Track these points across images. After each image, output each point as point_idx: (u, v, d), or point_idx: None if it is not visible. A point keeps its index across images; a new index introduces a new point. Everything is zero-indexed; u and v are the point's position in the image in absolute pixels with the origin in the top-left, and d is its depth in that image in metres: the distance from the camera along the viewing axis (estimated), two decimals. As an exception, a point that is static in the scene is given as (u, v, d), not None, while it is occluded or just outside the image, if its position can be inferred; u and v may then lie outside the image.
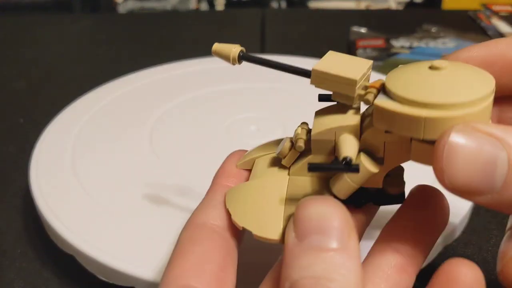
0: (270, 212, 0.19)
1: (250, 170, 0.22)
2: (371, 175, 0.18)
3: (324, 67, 0.18)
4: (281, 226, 0.18)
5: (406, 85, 0.16)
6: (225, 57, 0.19)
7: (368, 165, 0.18)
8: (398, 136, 0.17)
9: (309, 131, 0.19)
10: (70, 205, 0.30)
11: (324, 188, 0.19)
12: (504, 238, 0.18)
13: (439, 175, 0.15)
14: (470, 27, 0.67)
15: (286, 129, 0.36)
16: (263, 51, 0.61)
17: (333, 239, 0.15)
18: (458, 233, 0.29)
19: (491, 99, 0.16)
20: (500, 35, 0.64)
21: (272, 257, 0.19)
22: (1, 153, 0.42)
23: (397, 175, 0.20)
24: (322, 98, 0.19)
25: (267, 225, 0.18)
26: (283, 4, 1.39)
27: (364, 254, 0.20)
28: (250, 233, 0.19)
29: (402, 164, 0.19)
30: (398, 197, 0.20)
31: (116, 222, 0.28)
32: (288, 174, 0.20)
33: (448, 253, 0.30)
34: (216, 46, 0.20)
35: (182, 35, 0.67)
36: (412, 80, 0.16)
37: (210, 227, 0.19)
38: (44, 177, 0.32)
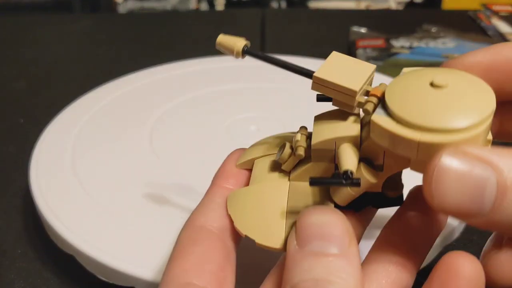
0: (272, 220, 0.19)
1: (249, 170, 0.22)
2: (371, 185, 0.18)
3: (325, 74, 0.17)
4: (283, 235, 0.18)
5: (404, 103, 0.16)
6: (229, 50, 0.19)
7: (368, 177, 0.18)
8: None
9: (308, 136, 0.19)
10: (70, 205, 0.30)
11: (325, 194, 0.19)
12: (490, 237, 0.19)
13: (429, 198, 0.15)
14: (470, 27, 0.67)
15: (286, 129, 0.36)
16: (263, 51, 0.61)
17: (334, 246, 0.16)
18: (457, 233, 0.29)
19: (488, 121, 0.16)
20: (500, 35, 0.64)
21: (270, 257, 0.19)
22: (1, 153, 0.42)
23: (395, 178, 0.20)
24: (320, 98, 0.19)
25: (269, 233, 0.18)
26: (283, 4, 1.39)
27: (362, 255, 0.20)
28: (252, 240, 0.19)
29: None
30: (396, 200, 0.20)
31: (116, 222, 0.28)
32: (289, 179, 0.20)
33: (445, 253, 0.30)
34: (221, 38, 0.19)
35: (182, 35, 0.67)
36: (410, 97, 0.16)
37: (209, 229, 0.19)
38: (44, 177, 0.32)
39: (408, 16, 0.77)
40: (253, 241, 0.19)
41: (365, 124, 0.18)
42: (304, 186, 0.19)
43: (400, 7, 1.27)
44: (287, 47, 0.61)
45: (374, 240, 0.20)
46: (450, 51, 0.58)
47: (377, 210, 0.21)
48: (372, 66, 0.18)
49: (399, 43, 0.60)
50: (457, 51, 0.58)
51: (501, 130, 0.21)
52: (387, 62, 0.55)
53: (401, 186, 0.20)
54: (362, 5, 1.24)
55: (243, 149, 0.23)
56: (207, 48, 0.61)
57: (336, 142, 0.18)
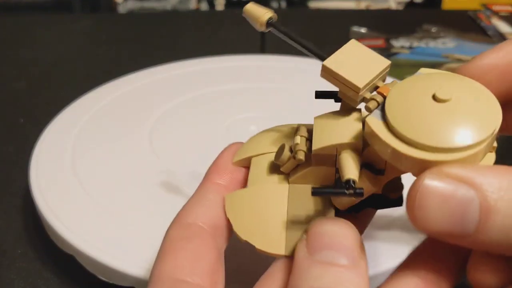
0: (272, 226, 0.18)
1: (245, 167, 0.21)
2: (373, 191, 0.18)
3: (333, 64, 0.17)
4: (284, 241, 0.18)
5: (402, 114, 0.16)
6: (254, 20, 0.19)
7: (370, 185, 0.17)
8: None
9: (308, 138, 0.19)
10: (70, 205, 0.30)
11: (325, 199, 0.19)
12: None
13: (412, 220, 0.15)
14: (470, 27, 0.67)
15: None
16: (263, 51, 0.61)
17: (344, 256, 0.16)
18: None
19: (487, 141, 0.15)
20: (500, 35, 0.64)
21: (257, 259, 0.19)
22: (1, 153, 0.42)
23: (395, 179, 0.20)
24: (318, 95, 0.19)
25: (270, 239, 0.18)
26: (283, 4, 1.39)
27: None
28: (252, 246, 0.19)
29: None
30: (397, 201, 0.20)
31: (116, 222, 0.28)
32: (288, 181, 0.19)
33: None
34: (249, 6, 0.19)
35: (182, 35, 0.67)
36: (409, 109, 0.16)
37: (200, 226, 0.19)
38: (44, 177, 0.32)
39: (408, 16, 0.77)
40: (252, 246, 0.18)
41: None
42: (304, 190, 0.19)
43: (400, 7, 1.27)
44: (287, 47, 0.61)
45: (374, 241, 0.20)
46: (450, 51, 0.58)
47: (376, 210, 0.21)
48: (386, 62, 0.18)
49: (399, 43, 0.60)
50: (457, 51, 0.58)
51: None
52: (387, 62, 0.55)
53: (401, 187, 0.20)
54: (362, 5, 1.24)
55: (239, 144, 0.22)
56: (207, 48, 0.61)
57: (338, 148, 0.17)
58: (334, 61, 0.17)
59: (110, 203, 0.30)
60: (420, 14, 0.77)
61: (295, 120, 0.22)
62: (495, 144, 0.16)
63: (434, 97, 0.16)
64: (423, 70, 0.18)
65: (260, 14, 0.19)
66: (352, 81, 0.17)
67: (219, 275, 0.18)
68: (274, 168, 0.20)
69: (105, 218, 0.29)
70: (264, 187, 0.20)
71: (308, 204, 0.19)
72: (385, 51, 0.57)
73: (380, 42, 0.60)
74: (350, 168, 0.16)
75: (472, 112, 0.15)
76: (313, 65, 0.47)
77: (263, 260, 0.19)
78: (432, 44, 0.60)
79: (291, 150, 0.19)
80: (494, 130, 0.15)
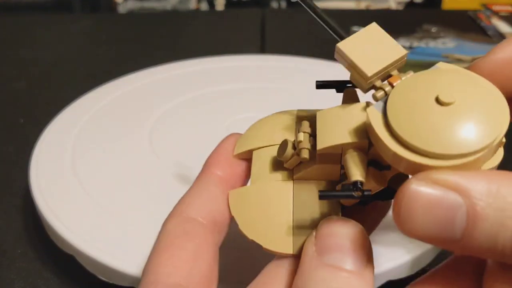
0: (278, 224, 0.18)
1: (246, 159, 0.21)
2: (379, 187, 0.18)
3: (347, 47, 0.17)
4: (291, 239, 0.18)
5: (402, 113, 0.15)
6: None
7: (378, 184, 0.17)
8: None
9: (311, 134, 0.18)
10: (70, 205, 0.30)
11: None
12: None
13: (398, 224, 0.15)
14: (470, 27, 0.67)
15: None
16: (263, 51, 0.61)
17: (351, 262, 0.16)
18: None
19: (489, 147, 0.15)
20: (500, 35, 0.64)
21: (249, 256, 0.19)
22: (1, 153, 0.42)
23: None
24: (319, 85, 0.19)
25: (277, 238, 0.18)
26: (283, 4, 1.39)
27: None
28: (259, 245, 0.18)
29: None
30: None
31: (116, 222, 0.28)
32: (292, 176, 0.19)
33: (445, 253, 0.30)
34: None
35: (182, 35, 0.67)
36: (411, 110, 0.15)
37: (201, 221, 0.18)
38: (44, 177, 0.32)
39: (408, 16, 0.77)
40: (259, 246, 0.18)
41: None
42: (310, 187, 0.19)
43: (400, 7, 1.27)
44: (287, 47, 0.61)
45: (373, 241, 0.20)
46: (450, 51, 0.58)
47: (388, 209, 0.21)
48: (402, 51, 0.17)
49: (399, 43, 0.60)
50: (457, 51, 0.58)
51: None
52: (387, 62, 0.55)
53: (407, 177, 0.20)
54: (362, 5, 1.24)
55: (237, 134, 0.22)
56: (207, 48, 0.61)
57: (343, 147, 0.17)
58: (349, 44, 0.17)
59: (110, 203, 0.30)
60: (420, 14, 0.77)
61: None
62: (503, 140, 0.16)
63: (437, 100, 0.15)
64: (441, 65, 0.17)
65: None
66: (362, 68, 0.16)
67: (214, 277, 0.18)
68: (277, 163, 0.19)
69: (105, 218, 0.29)
70: (268, 185, 0.19)
71: (314, 201, 0.18)
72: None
73: (380, 42, 0.60)
74: (357, 169, 0.16)
75: (475, 117, 0.15)
76: (313, 65, 0.47)
77: (256, 257, 0.19)
78: (432, 44, 0.60)
79: (294, 147, 0.19)
80: (498, 136, 0.15)
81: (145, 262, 0.24)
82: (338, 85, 0.19)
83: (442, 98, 0.15)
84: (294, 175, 0.19)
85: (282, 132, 0.20)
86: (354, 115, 0.17)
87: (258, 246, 0.18)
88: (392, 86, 0.16)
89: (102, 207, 0.29)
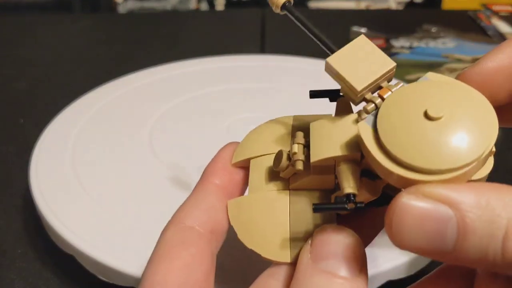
0: (277, 234, 0.19)
1: (244, 168, 0.21)
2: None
3: (336, 62, 0.17)
4: (289, 248, 0.18)
5: (391, 129, 0.16)
6: (271, 1, 0.19)
7: (371, 194, 0.18)
8: None
9: (305, 145, 0.19)
10: (70, 205, 0.30)
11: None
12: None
13: (390, 237, 0.15)
14: (470, 27, 0.67)
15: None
16: (263, 51, 0.61)
17: (345, 268, 0.16)
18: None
19: (478, 161, 0.15)
20: (500, 35, 0.64)
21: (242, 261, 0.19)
22: (1, 153, 0.42)
23: None
24: (313, 95, 0.19)
25: (275, 247, 0.18)
26: (283, 4, 1.38)
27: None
28: (258, 254, 0.19)
29: None
30: None
31: (116, 222, 0.28)
32: (288, 186, 0.20)
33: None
34: None
35: (182, 35, 0.67)
36: (400, 125, 0.16)
37: (198, 230, 0.19)
38: (44, 177, 0.32)
39: (408, 16, 0.77)
40: (258, 255, 0.19)
41: None
42: (305, 197, 0.19)
43: (400, 7, 1.27)
44: (287, 47, 0.61)
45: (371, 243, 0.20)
46: (450, 51, 0.58)
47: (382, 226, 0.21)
48: (391, 63, 0.17)
49: (399, 43, 0.60)
50: (457, 51, 0.58)
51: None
52: (387, 62, 0.55)
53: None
54: (362, 5, 1.24)
55: (235, 143, 0.22)
56: (207, 48, 0.61)
57: (336, 159, 0.17)
58: (338, 59, 0.17)
59: (110, 203, 0.30)
60: (420, 14, 0.77)
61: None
62: (493, 149, 0.16)
63: (425, 115, 0.15)
64: (429, 75, 0.18)
65: None
66: (352, 82, 0.17)
67: (210, 283, 0.18)
68: (274, 172, 0.20)
69: (105, 218, 0.29)
70: (266, 195, 0.20)
71: (310, 211, 0.19)
72: (385, 51, 0.57)
73: (380, 42, 0.60)
74: (350, 182, 0.17)
75: (464, 131, 0.15)
76: (313, 65, 0.47)
77: (252, 262, 0.19)
78: (432, 44, 0.60)
79: (289, 158, 0.19)
80: (487, 148, 0.15)
81: (144, 262, 0.25)
82: (331, 95, 0.19)
83: (431, 113, 0.15)
84: (290, 185, 0.19)
85: (278, 141, 0.21)
86: (346, 128, 0.18)
87: (257, 255, 0.19)
88: (382, 99, 0.17)
89: (102, 207, 0.29)
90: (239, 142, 0.22)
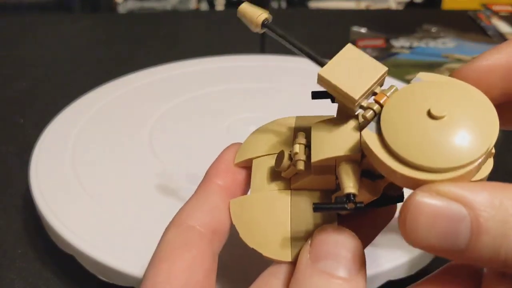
0: (278, 233, 0.19)
1: (246, 167, 0.21)
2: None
3: (329, 73, 0.17)
4: (290, 247, 0.18)
5: (396, 130, 0.16)
6: (249, 21, 0.19)
7: (371, 194, 0.18)
8: None
9: (307, 145, 0.19)
10: (70, 205, 0.30)
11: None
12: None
13: (403, 234, 0.15)
14: (470, 27, 0.67)
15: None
16: (263, 51, 0.61)
17: (344, 269, 0.16)
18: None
19: (482, 158, 0.15)
20: (500, 35, 0.64)
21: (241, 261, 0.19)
22: (1, 153, 0.42)
23: None
24: (315, 95, 0.19)
25: (276, 246, 0.19)
26: (283, 4, 1.39)
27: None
28: (260, 253, 0.19)
29: None
30: (398, 198, 0.20)
31: (116, 222, 0.28)
32: (290, 186, 0.20)
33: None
34: (245, 6, 0.19)
35: (182, 35, 0.67)
36: (404, 126, 0.16)
37: (200, 230, 0.19)
38: (44, 177, 0.32)
39: (408, 16, 0.77)
40: (259, 253, 0.19)
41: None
42: (306, 197, 0.19)
43: (400, 7, 1.27)
44: (287, 47, 0.61)
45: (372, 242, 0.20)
46: (450, 51, 0.58)
47: (393, 216, 0.21)
48: (383, 68, 0.17)
49: (399, 43, 0.60)
50: (457, 51, 0.58)
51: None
52: (387, 62, 0.55)
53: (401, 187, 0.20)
54: (362, 5, 1.24)
55: (238, 144, 0.22)
56: (207, 48, 0.61)
57: (337, 159, 0.17)
58: (330, 70, 0.17)
59: (110, 203, 0.30)
60: (420, 14, 0.78)
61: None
62: (493, 150, 0.16)
63: (429, 114, 0.16)
64: (421, 76, 0.18)
65: (256, 15, 0.18)
66: (348, 92, 0.17)
67: (211, 283, 0.18)
68: (276, 172, 0.20)
69: (105, 218, 0.29)
70: (268, 194, 0.20)
71: (311, 211, 0.19)
72: (385, 51, 0.58)
73: (380, 42, 0.60)
74: (350, 182, 0.17)
75: (467, 129, 0.15)
76: (313, 65, 0.47)
77: (256, 260, 0.19)
78: (432, 44, 0.60)
79: (290, 158, 0.19)
80: (490, 146, 0.15)
81: (145, 263, 0.25)
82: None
83: (434, 112, 0.16)
84: (292, 185, 0.20)
85: (280, 142, 0.21)
86: (347, 129, 0.18)
87: (259, 254, 0.19)
88: (379, 104, 0.17)
89: (102, 207, 0.29)
90: (241, 143, 0.22)
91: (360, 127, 0.17)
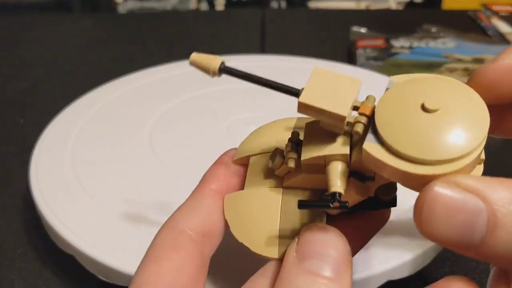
0: (267, 229, 0.19)
1: (242, 165, 0.21)
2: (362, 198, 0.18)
3: (310, 98, 0.17)
4: (277, 244, 0.18)
5: (394, 130, 0.16)
6: (205, 69, 0.18)
7: (359, 195, 0.18)
8: None
9: (298, 143, 0.19)
10: (70, 205, 0.30)
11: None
12: (490, 275, 0.18)
13: (418, 226, 0.15)
14: (470, 27, 0.67)
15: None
16: (263, 51, 0.61)
17: (330, 268, 0.16)
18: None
19: (478, 150, 0.15)
20: (500, 35, 0.64)
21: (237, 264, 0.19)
22: (1, 153, 0.42)
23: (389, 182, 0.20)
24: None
25: (264, 242, 0.19)
26: (283, 4, 1.39)
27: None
28: (247, 248, 0.19)
29: None
30: (390, 202, 0.20)
31: (116, 222, 0.28)
32: (282, 184, 0.20)
33: (445, 254, 0.30)
34: (196, 56, 0.18)
35: (182, 35, 0.67)
36: (401, 124, 0.16)
37: (190, 234, 0.19)
38: (44, 177, 0.32)
39: (408, 16, 0.77)
40: (247, 248, 0.19)
41: (356, 142, 0.17)
42: (296, 195, 0.19)
43: (400, 7, 1.27)
44: (287, 47, 0.61)
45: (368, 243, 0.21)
46: (450, 51, 0.58)
47: (388, 218, 0.21)
48: (358, 81, 0.17)
49: (399, 43, 0.60)
50: (457, 51, 0.58)
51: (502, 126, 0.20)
52: (387, 62, 0.55)
53: (395, 188, 0.20)
54: (362, 5, 1.24)
55: (236, 150, 0.22)
56: (207, 48, 0.61)
57: (326, 158, 0.17)
58: (309, 96, 0.17)
59: (110, 203, 0.30)
60: (420, 14, 0.78)
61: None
62: (483, 156, 0.16)
63: (423, 108, 0.16)
64: (394, 78, 0.18)
65: (210, 62, 0.18)
66: (336, 111, 0.17)
67: (200, 284, 0.18)
68: (271, 170, 0.20)
69: (105, 218, 0.29)
70: (259, 191, 0.20)
71: (298, 209, 0.19)
72: (385, 51, 0.57)
73: (380, 42, 0.60)
74: (337, 181, 0.17)
75: (462, 121, 0.16)
76: (313, 65, 0.47)
77: (252, 261, 0.19)
78: (432, 44, 0.60)
79: (283, 156, 0.19)
80: (484, 137, 0.15)
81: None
82: None
83: (428, 106, 0.16)
84: (284, 183, 0.20)
85: (278, 141, 0.21)
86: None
87: (247, 249, 0.19)
88: (366, 116, 0.17)
89: (102, 207, 0.29)
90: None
91: (354, 143, 0.17)
